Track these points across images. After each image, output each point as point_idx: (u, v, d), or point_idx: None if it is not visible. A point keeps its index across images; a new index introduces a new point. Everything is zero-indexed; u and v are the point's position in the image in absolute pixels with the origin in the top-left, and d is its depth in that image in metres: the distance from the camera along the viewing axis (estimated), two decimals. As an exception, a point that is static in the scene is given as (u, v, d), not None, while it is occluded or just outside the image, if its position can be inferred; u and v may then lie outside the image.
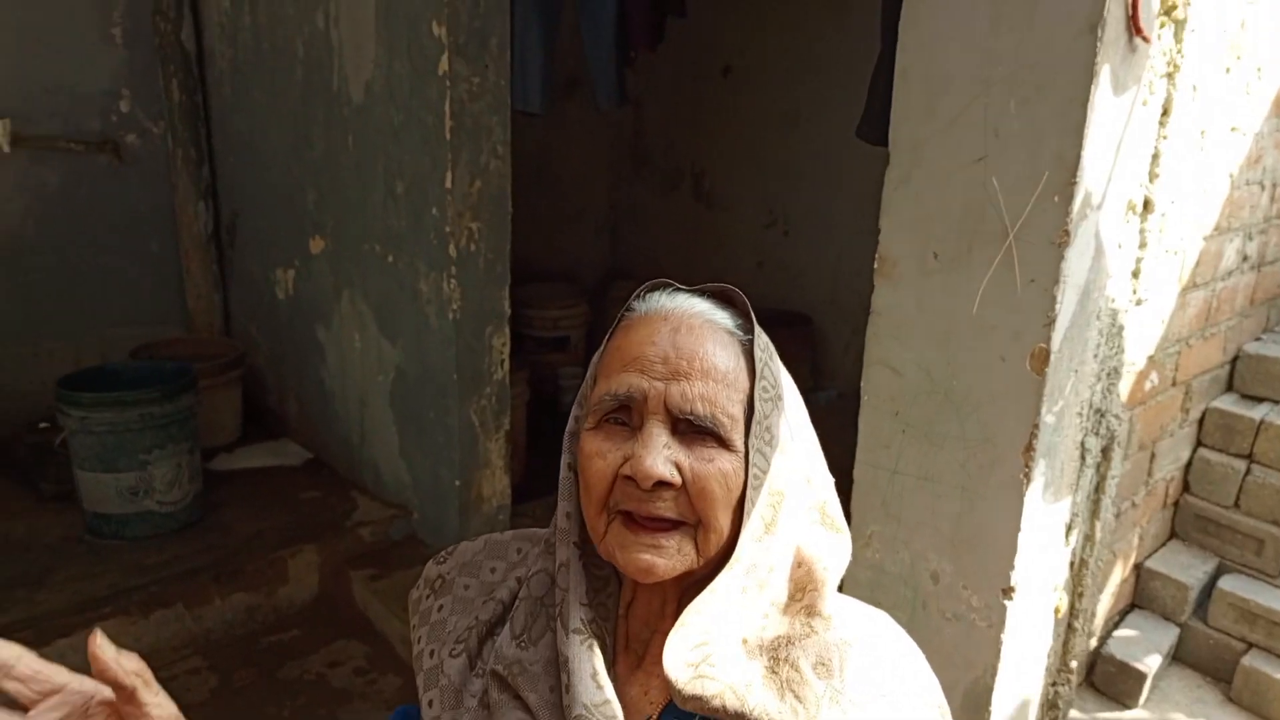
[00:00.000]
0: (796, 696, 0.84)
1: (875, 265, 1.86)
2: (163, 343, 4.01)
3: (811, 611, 0.89)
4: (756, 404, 0.88)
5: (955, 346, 1.77)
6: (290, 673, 2.86)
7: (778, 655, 0.87)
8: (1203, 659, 2.92)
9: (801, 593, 0.91)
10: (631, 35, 3.54)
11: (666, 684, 0.85)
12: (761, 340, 0.92)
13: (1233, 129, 2.42)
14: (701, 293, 0.95)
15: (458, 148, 2.87)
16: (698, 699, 0.83)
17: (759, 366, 0.89)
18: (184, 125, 3.98)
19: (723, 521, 0.87)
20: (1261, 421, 2.89)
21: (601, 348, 0.95)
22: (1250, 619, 2.83)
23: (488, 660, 0.96)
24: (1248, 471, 2.92)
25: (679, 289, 0.96)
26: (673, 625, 0.87)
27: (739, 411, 0.87)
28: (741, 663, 0.85)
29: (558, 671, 0.89)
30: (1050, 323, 1.62)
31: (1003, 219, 1.65)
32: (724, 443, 0.86)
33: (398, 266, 3.19)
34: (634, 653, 0.94)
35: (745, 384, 0.88)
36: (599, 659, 0.87)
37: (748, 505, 0.87)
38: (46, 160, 3.80)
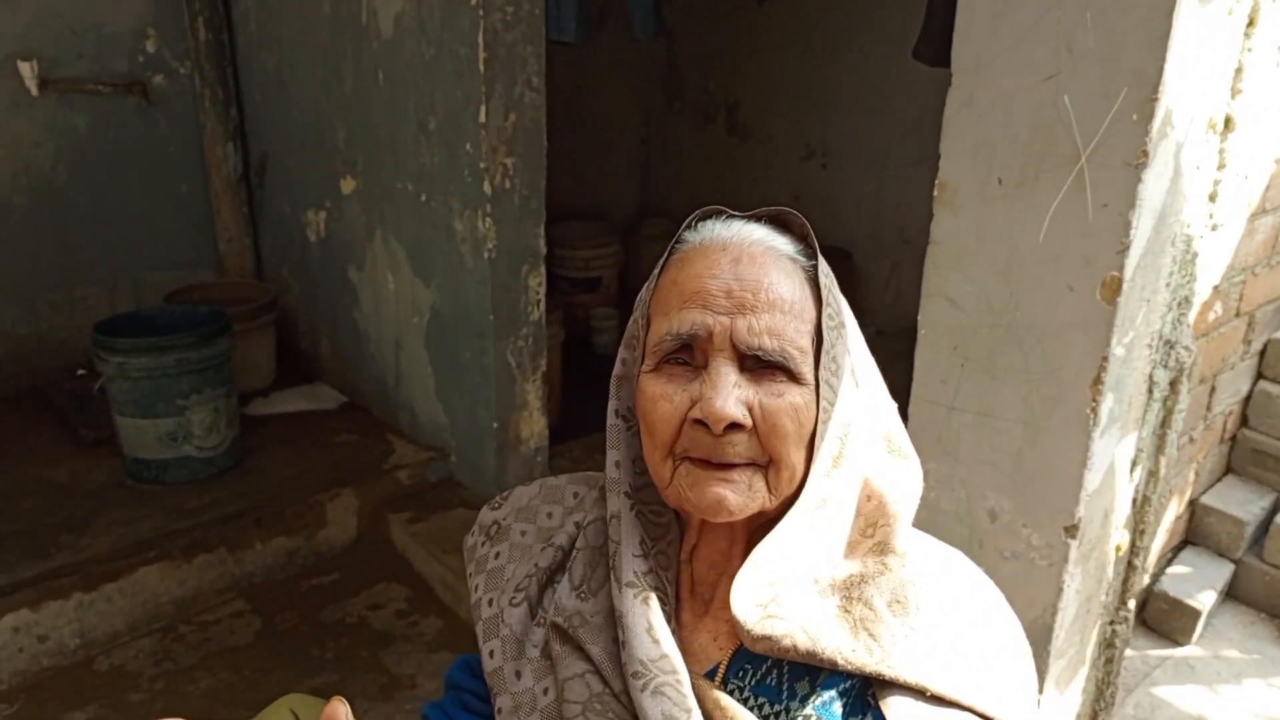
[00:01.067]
0: (870, 634, 0.80)
1: (935, 193, 1.77)
2: (196, 286, 3.99)
3: (885, 548, 0.86)
4: (824, 333, 0.83)
5: (1019, 276, 1.69)
6: (332, 615, 2.87)
7: (850, 594, 0.83)
8: (1258, 596, 2.86)
9: (873, 528, 0.87)
10: (666, -40, 3.41)
11: (735, 627, 0.81)
12: (824, 265, 0.87)
13: (1310, 43, 2.28)
14: (758, 218, 0.90)
15: (491, 80, 2.78)
16: (768, 639, 0.79)
17: (824, 293, 0.85)
18: (210, 64, 3.90)
19: (795, 459, 0.82)
20: (1326, 353, 2.79)
21: (651, 283, 0.89)
22: (1309, 556, 2.76)
23: (548, 609, 0.93)
24: (1310, 405, 2.82)
25: (734, 215, 0.90)
26: (739, 566, 0.83)
27: (807, 343, 0.82)
28: (813, 601, 0.82)
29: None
30: (1124, 249, 1.54)
31: (1075, 140, 1.56)
32: (794, 376, 0.81)
33: (431, 205, 3.12)
34: (700, 598, 0.91)
35: (812, 313, 0.83)
36: (656, 612, 0.83)
37: (818, 440, 0.82)
38: (75, 103, 3.75)
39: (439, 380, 3.35)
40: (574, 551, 0.94)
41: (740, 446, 0.81)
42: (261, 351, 3.90)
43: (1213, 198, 1.79)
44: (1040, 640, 1.82)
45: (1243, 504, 2.88)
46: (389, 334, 3.55)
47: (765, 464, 0.82)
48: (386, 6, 3.05)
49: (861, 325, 0.92)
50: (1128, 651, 2.48)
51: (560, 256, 4.66)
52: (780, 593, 0.81)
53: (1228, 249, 2.27)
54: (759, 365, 0.81)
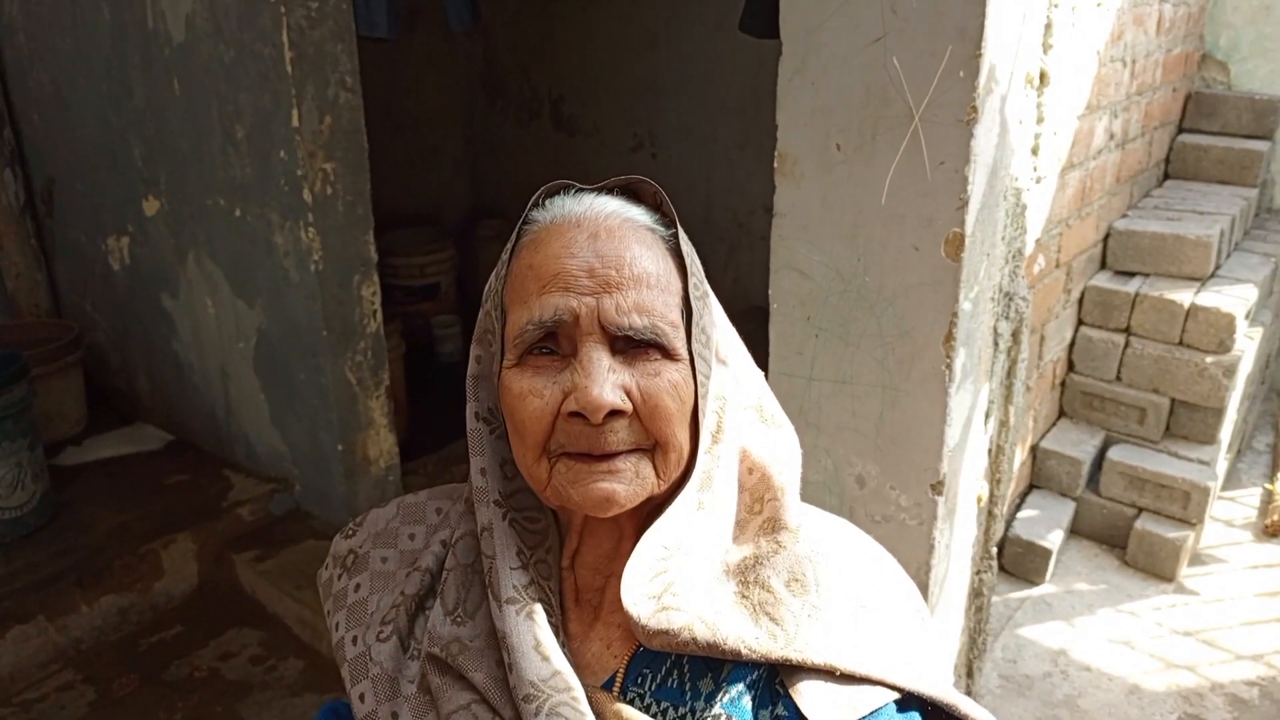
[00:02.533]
0: (772, 618, 0.76)
1: (775, 164, 1.76)
2: (-18, 331, 3.59)
3: (776, 525, 0.81)
4: (692, 304, 0.78)
5: (865, 240, 1.69)
6: (178, 672, 2.63)
7: (746, 576, 0.79)
8: (1098, 528, 3.04)
9: (760, 504, 0.82)
10: (475, -50, 3.30)
11: (629, 626, 0.75)
12: (683, 234, 0.81)
13: (1098, 3, 2.42)
14: (608, 189, 0.84)
15: (301, 81, 2.60)
16: (664, 634, 0.73)
17: (688, 262, 0.79)
18: (-27, 84, 3.51)
19: (681, 438, 0.77)
20: (1136, 294, 2.98)
21: (501, 269, 0.82)
22: (1139, 485, 2.95)
23: (421, 640, 0.83)
24: (1126, 345, 3.02)
25: (583, 189, 0.83)
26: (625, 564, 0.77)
27: (677, 316, 0.77)
28: (708, 588, 0.77)
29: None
30: (963, 205, 1.56)
31: (906, 101, 1.57)
32: (668, 353, 0.76)
33: (247, 219, 2.90)
34: (588, 605, 0.84)
35: (678, 284, 0.78)
36: (542, 627, 0.76)
37: (700, 415, 0.77)
38: None
39: (274, 406, 3.13)
40: (444, 573, 0.85)
41: (622, 433, 0.74)
42: (68, 395, 3.55)
43: (1035, 151, 1.86)
44: (917, 599, 1.84)
45: (1077, 444, 3.05)
46: (213, 362, 3.29)
47: (650, 447, 0.76)
48: (175, 8, 2.81)
49: (707, 308, 0.87)
50: (995, 598, 2.57)
51: (393, 265, 4.47)
52: (674, 581, 0.75)
53: (1046, 202, 2.38)
54: (631, 346, 0.75)
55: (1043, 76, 1.78)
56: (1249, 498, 3.30)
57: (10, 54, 3.56)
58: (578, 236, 0.77)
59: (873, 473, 1.83)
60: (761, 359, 1.89)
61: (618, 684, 0.79)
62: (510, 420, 0.78)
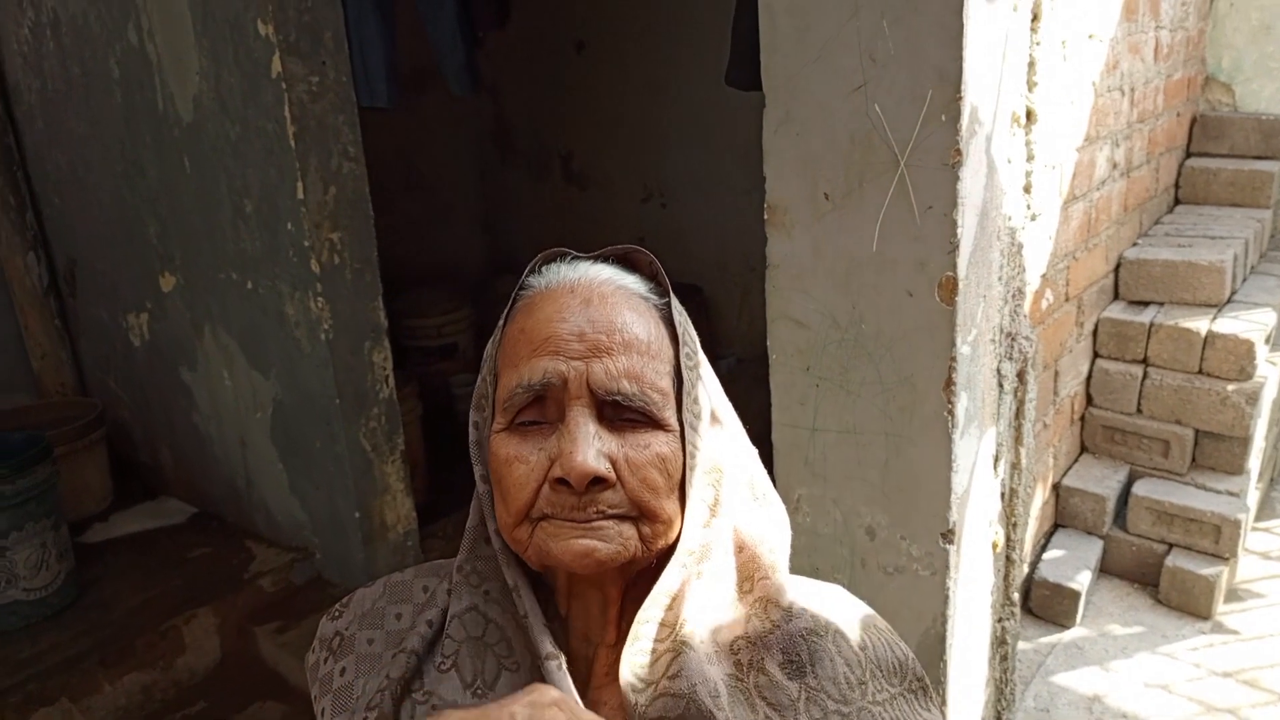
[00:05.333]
0: (770, 704, 0.75)
1: (765, 216, 1.76)
2: (10, 412, 3.64)
3: (767, 604, 0.80)
4: (684, 373, 0.77)
5: (859, 288, 1.68)
6: (202, 748, 2.62)
7: (740, 659, 0.77)
8: (1128, 567, 2.96)
9: (750, 582, 0.81)
10: (476, 16, 3.37)
11: (623, 705, 0.74)
12: (677, 303, 0.82)
13: (1090, 36, 2.42)
14: (604, 258, 0.84)
15: (304, 154, 2.65)
16: None
17: (680, 332, 0.79)
18: (-3, 171, 3.61)
19: (669, 510, 0.76)
20: (1151, 324, 2.94)
21: (496, 336, 0.82)
22: (1167, 520, 2.88)
23: None
24: (1145, 375, 2.97)
25: (578, 256, 0.84)
26: (615, 635, 0.78)
27: (668, 384, 0.77)
28: (706, 669, 0.75)
29: None
30: (954, 249, 1.55)
31: (891, 147, 1.57)
32: (657, 423, 0.75)
33: (258, 292, 2.95)
34: (578, 676, 0.82)
35: (669, 353, 0.78)
36: (571, 688, 0.76)
37: (689, 488, 0.76)
38: None
39: (292, 475, 3.15)
40: (448, 646, 0.84)
41: (606, 503, 0.74)
42: (93, 472, 3.59)
43: (1027, 189, 1.85)
44: (934, 650, 1.79)
45: (1100, 480, 2.98)
46: (232, 433, 3.32)
47: (635, 516, 0.75)
48: (182, 89, 2.88)
49: (720, 355, 0.87)
50: (1019, 644, 2.51)
51: (411, 326, 4.50)
52: (670, 665, 0.74)
53: (1048, 237, 2.36)
54: (619, 414, 0.75)
55: (1029, 114, 1.77)
56: (1286, 526, 3.21)
57: (30, 139, 3.66)
58: (570, 302, 0.77)
59: (882, 523, 1.80)
60: (768, 405, 1.88)
61: None
62: (496, 485, 0.78)
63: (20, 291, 3.75)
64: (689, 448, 0.76)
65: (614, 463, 0.73)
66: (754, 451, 0.88)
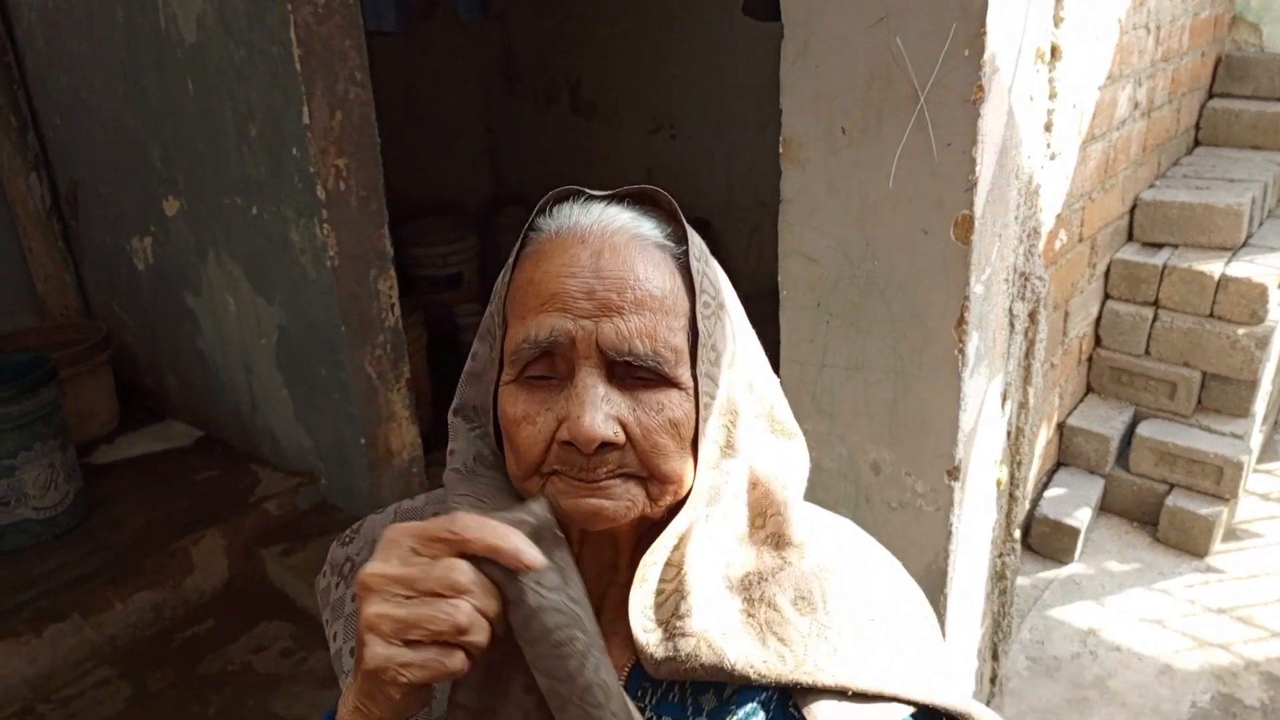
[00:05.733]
0: (780, 639, 0.75)
1: (780, 150, 1.73)
2: (15, 334, 3.64)
3: (780, 541, 0.80)
4: (700, 324, 0.74)
5: (873, 225, 1.66)
6: (211, 666, 2.67)
7: (751, 594, 0.77)
8: (1129, 505, 2.99)
9: (762, 518, 0.81)
10: (483, -63, 3.27)
11: (636, 650, 0.74)
12: (696, 248, 0.77)
13: (1118, -30, 2.35)
14: (619, 198, 0.80)
15: (310, 78, 2.60)
16: (672, 661, 0.73)
17: (697, 280, 0.76)
18: (-2, 89, 3.55)
19: (681, 470, 0.75)
20: (1164, 266, 2.91)
21: (506, 274, 0.79)
22: (1170, 460, 2.89)
23: None
24: (1155, 318, 2.95)
25: (592, 197, 0.79)
26: (629, 576, 0.77)
27: (682, 340, 0.74)
28: (714, 607, 0.75)
29: None
30: (971, 186, 1.52)
31: (911, 81, 1.53)
32: (670, 381, 0.73)
33: (263, 217, 2.92)
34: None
35: (685, 305, 0.75)
36: None
37: (701, 438, 0.75)
38: None
39: (297, 401, 3.16)
40: None
41: (614, 464, 0.73)
42: (98, 395, 3.61)
43: (1048, 127, 1.81)
44: (936, 584, 1.81)
45: (1105, 420, 2.99)
46: (237, 359, 3.32)
47: (645, 477, 0.74)
48: (185, 9, 2.81)
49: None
50: (1018, 579, 2.54)
51: (416, 255, 4.47)
52: (679, 603, 0.74)
53: (1065, 177, 2.32)
54: (630, 373, 0.73)
55: (1054, 51, 1.73)
56: (1286, 470, 3.23)
57: (31, 59, 3.59)
58: (580, 254, 0.74)
59: (888, 459, 1.80)
60: (776, 342, 1.88)
61: None
62: (507, 440, 0.77)
63: (23, 213, 3.72)
64: (702, 399, 0.74)
65: (624, 424, 0.72)
66: (775, 382, 0.86)
